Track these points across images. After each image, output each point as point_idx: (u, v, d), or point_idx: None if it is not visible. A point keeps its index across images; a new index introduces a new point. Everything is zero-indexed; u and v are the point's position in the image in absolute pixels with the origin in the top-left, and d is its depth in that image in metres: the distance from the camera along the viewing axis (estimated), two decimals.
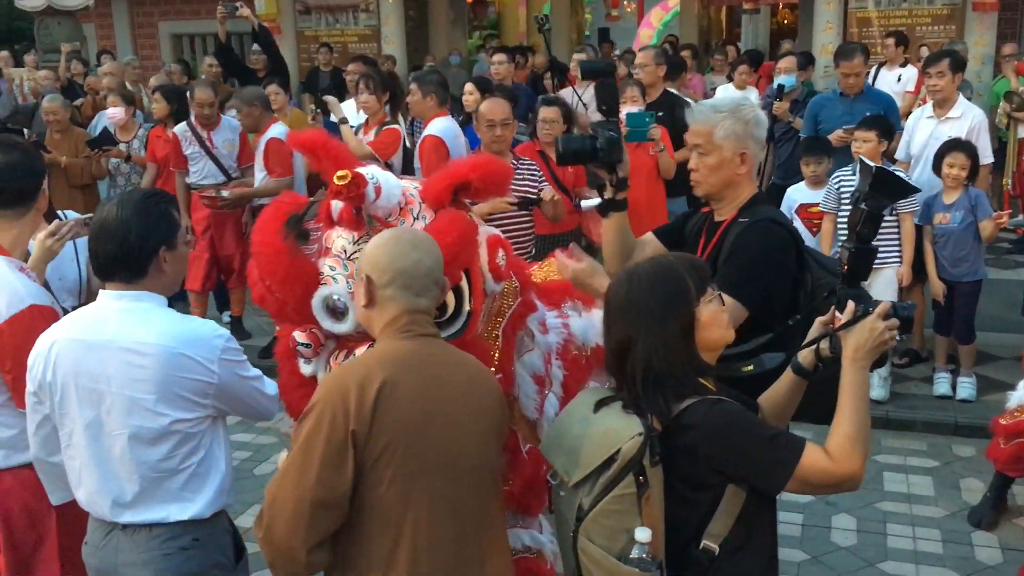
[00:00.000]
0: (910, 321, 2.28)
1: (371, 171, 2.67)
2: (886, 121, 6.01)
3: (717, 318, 2.28)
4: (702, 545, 2.21)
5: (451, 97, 6.82)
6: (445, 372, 2.27)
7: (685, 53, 10.85)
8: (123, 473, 2.52)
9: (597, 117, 7.77)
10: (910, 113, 7.16)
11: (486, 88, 7.16)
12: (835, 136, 6.52)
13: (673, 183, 6.72)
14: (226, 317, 7.56)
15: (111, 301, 2.56)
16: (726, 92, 9.20)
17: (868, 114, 6.14)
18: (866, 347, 2.20)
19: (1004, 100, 8.90)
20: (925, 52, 9.00)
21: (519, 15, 21.46)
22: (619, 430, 2.16)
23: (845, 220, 5.71)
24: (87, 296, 3.33)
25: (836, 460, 2.13)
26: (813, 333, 2.42)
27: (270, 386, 2.75)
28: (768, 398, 2.48)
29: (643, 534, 2.11)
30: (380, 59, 11.33)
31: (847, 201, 5.69)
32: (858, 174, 2.74)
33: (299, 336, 2.63)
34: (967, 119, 6.22)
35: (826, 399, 2.25)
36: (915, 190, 2.72)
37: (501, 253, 2.83)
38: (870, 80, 8.28)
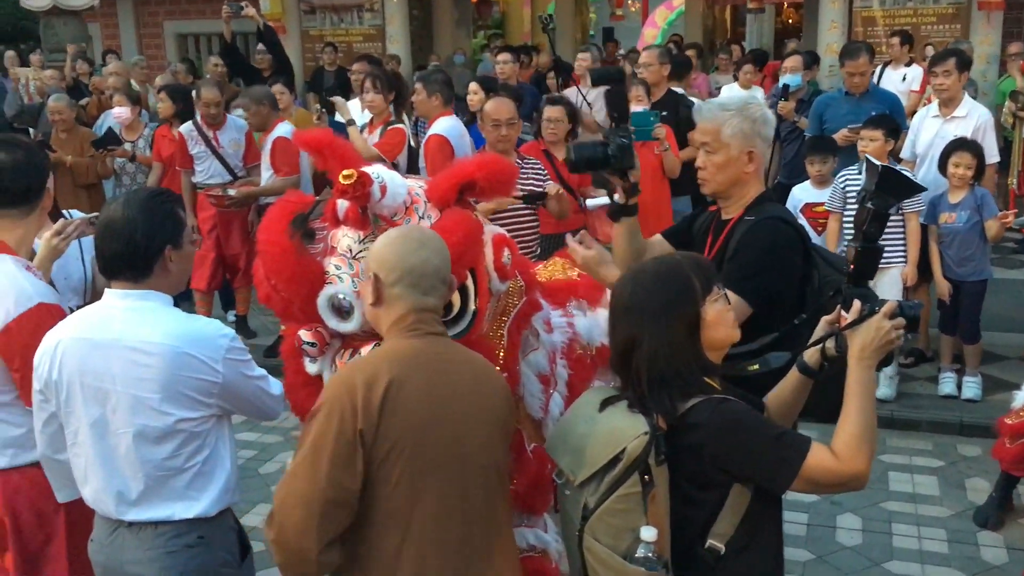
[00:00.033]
0: (916, 320, 2.28)
1: (377, 170, 2.67)
2: (893, 120, 6.00)
3: (723, 317, 2.28)
4: (708, 544, 2.21)
5: (455, 97, 6.83)
6: (452, 370, 2.27)
7: (690, 52, 10.84)
8: (128, 471, 2.52)
9: (602, 116, 7.83)
10: (915, 112, 7.15)
11: (490, 88, 7.16)
12: (840, 135, 6.51)
13: (678, 182, 6.72)
14: (231, 316, 7.57)
15: (117, 300, 2.56)
16: (731, 92, 9.19)
17: (874, 113, 6.13)
18: (872, 346, 2.20)
19: (1010, 99, 8.88)
20: (930, 51, 8.99)
21: (524, 15, 21.46)
22: (624, 429, 2.16)
23: (851, 219, 5.71)
24: (92, 295, 3.33)
25: (842, 459, 2.13)
26: (819, 332, 2.42)
27: (275, 386, 2.75)
28: (774, 397, 2.48)
29: (649, 533, 2.11)
30: (384, 59, 11.34)
31: (853, 200, 5.68)
32: (864, 173, 2.73)
33: (304, 335, 2.64)
34: (973, 118, 6.20)
35: (834, 396, 2.25)
36: (921, 189, 2.72)
37: (506, 252, 2.83)
38: (875, 79, 8.27)
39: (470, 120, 7.10)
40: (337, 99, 7.07)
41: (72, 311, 2.80)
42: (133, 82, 10.32)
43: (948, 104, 6.24)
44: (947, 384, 6.03)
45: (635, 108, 6.44)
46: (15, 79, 12.10)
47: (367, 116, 6.76)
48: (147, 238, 2.53)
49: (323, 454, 2.10)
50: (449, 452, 2.20)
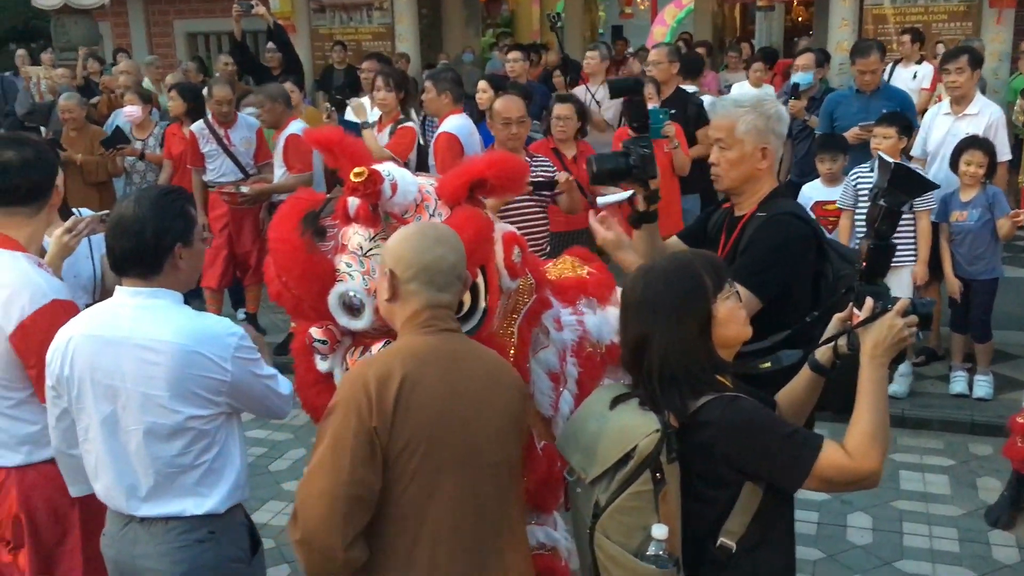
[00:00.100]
0: (929, 318, 2.27)
1: (387, 168, 2.67)
2: (906, 118, 5.98)
3: (734, 315, 2.27)
4: (719, 542, 2.20)
5: (464, 95, 6.83)
6: (466, 367, 2.26)
7: (700, 50, 10.82)
8: (139, 468, 2.53)
9: (610, 114, 7.82)
10: (925, 110, 7.12)
11: (499, 86, 7.15)
12: (851, 133, 6.48)
13: (687, 180, 6.71)
14: (241, 314, 7.58)
15: (127, 298, 2.57)
16: (742, 90, 9.17)
17: (885, 111, 6.10)
18: (885, 344, 2.19)
19: (1021, 97, 8.84)
20: (941, 49, 8.95)
21: (532, 13, 21.43)
22: (636, 427, 2.15)
23: (863, 217, 5.69)
24: (101, 293, 3.35)
25: (854, 457, 2.12)
26: (831, 330, 2.41)
27: (284, 385, 2.75)
28: (786, 395, 2.47)
29: (660, 531, 2.10)
30: (394, 57, 11.34)
31: (864, 198, 5.66)
32: (876, 170, 2.72)
33: (315, 333, 2.64)
34: (984, 116, 6.17)
35: (851, 389, 2.23)
36: (934, 186, 2.70)
37: (517, 250, 2.83)
38: (886, 77, 8.24)
39: (479, 118, 7.09)
40: (355, 101, 7.07)
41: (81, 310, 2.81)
42: (148, 81, 10.35)
43: (960, 102, 6.21)
44: (958, 383, 6.01)
45: None
46: (26, 78, 12.15)
47: (375, 114, 6.77)
48: (157, 236, 2.53)
49: (343, 451, 2.10)
50: (462, 449, 2.19)
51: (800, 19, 21.58)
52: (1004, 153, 6.16)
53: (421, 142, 6.68)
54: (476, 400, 2.23)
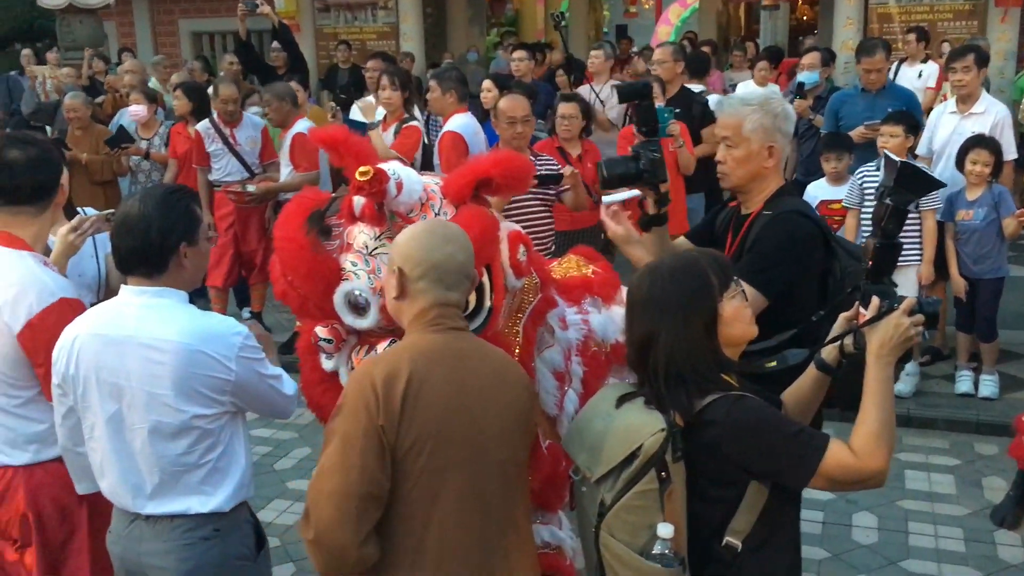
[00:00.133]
0: (935, 317, 2.27)
1: (393, 167, 2.67)
2: (913, 116, 5.98)
3: (740, 314, 2.27)
4: (725, 541, 2.20)
5: (469, 94, 6.82)
6: (473, 365, 2.26)
7: (705, 49, 10.81)
8: (144, 466, 2.54)
9: (614, 114, 7.82)
10: (931, 109, 7.11)
11: (504, 85, 7.16)
12: (857, 132, 6.47)
13: (691, 179, 6.71)
14: (246, 313, 7.58)
15: (132, 297, 2.57)
16: (747, 89, 9.15)
17: (890, 110, 6.09)
18: (891, 343, 2.19)
19: None
20: (946, 48, 8.93)
21: (537, 12, 21.45)
22: (641, 426, 2.15)
23: (868, 216, 5.68)
24: (106, 293, 3.35)
25: (860, 457, 2.12)
26: (837, 329, 2.41)
27: (288, 384, 2.75)
28: (791, 394, 2.47)
29: (665, 530, 2.10)
30: (398, 56, 11.35)
31: (870, 197, 5.65)
32: (883, 169, 2.70)
33: (320, 332, 2.64)
34: (991, 115, 6.15)
35: (857, 388, 2.23)
36: (940, 184, 2.69)
37: (522, 249, 2.83)
38: (891, 76, 8.23)
39: (483, 117, 7.09)
40: (364, 100, 7.08)
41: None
42: (155, 80, 10.37)
43: (966, 100, 6.20)
44: (964, 382, 5.99)
45: None
46: (32, 77, 12.17)
47: (380, 113, 6.77)
48: (162, 234, 2.53)
49: (353, 450, 2.09)
50: (469, 448, 2.19)
51: (805, 18, 21.55)
52: (1010, 152, 6.15)
53: (426, 141, 6.68)
54: (483, 398, 2.23)
